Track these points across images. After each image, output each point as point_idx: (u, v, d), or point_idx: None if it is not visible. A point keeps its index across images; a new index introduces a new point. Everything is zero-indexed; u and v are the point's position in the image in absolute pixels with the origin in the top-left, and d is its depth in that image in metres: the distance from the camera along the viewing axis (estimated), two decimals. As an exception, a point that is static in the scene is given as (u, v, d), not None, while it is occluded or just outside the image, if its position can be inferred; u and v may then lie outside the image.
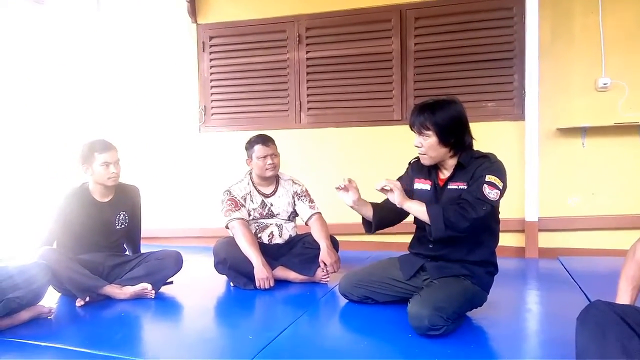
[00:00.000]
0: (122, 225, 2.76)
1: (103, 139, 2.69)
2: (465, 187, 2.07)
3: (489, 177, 2.02)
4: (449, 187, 2.13)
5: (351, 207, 2.24)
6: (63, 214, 2.60)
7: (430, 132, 2.06)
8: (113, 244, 2.77)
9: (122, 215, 2.75)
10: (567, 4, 3.61)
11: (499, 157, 2.15)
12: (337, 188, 2.20)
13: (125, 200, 2.79)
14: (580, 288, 2.67)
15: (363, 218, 2.32)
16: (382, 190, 2.09)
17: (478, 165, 2.08)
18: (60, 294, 2.62)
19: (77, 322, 2.31)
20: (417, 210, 2.06)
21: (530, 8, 3.51)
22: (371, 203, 2.28)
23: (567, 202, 3.66)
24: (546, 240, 3.65)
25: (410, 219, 2.26)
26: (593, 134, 3.58)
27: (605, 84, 3.49)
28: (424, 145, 2.10)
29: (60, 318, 2.36)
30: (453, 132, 2.07)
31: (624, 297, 1.58)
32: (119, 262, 2.71)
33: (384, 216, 2.27)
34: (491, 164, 2.08)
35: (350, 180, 2.21)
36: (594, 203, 3.60)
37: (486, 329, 2.10)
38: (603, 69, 3.51)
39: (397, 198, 2.04)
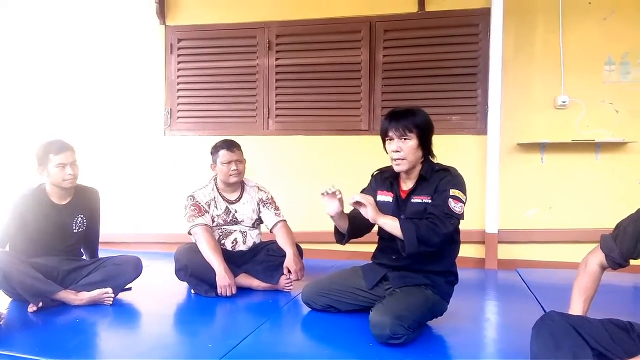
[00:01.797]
0: (80, 229, 2.68)
1: (59, 139, 2.60)
2: (429, 201, 2.11)
3: (453, 192, 2.07)
4: (412, 200, 2.16)
5: (331, 216, 2.20)
6: (17, 215, 2.51)
7: (412, 135, 2.09)
8: (69, 248, 2.68)
9: (79, 219, 2.67)
10: (530, 23, 3.74)
11: (461, 170, 2.20)
12: (324, 193, 2.13)
13: (83, 203, 2.71)
14: (536, 299, 2.74)
15: (335, 229, 2.32)
16: (356, 204, 2.07)
17: (440, 179, 2.12)
18: (11, 298, 2.52)
19: (28, 328, 2.21)
20: (391, 225, 2.06)
21: (494, 25, 3.62)
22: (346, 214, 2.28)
23: (526, 215, 3.77)
24: (505, 251, 3.74)
25: (375, 229, 2.28)
26: (551, 150, 3.70)
27: (564, 102, 3.62)
28: (403, 149, 2.10)
29: (10, 324, 2.25)
30: (428, 136, 2.14)
31: (576, 308, 1.64)
32: (75, 266, 2.62)
33: (355, 227, 2.27)
34: (453, 178, 2.13)
35: (339, 192, 2.15)
36: (551, 217, 3.72)
37: (445, 338, 2.13)
38: (562, 87, 3.64)
39: (370, 213, 2.04)
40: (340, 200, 2.15)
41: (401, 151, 2.11)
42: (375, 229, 2.26)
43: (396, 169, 2.17)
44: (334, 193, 2.11)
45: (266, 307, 2.57)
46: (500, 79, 3.63)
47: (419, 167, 2.18)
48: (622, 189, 3.50)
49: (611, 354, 1.42)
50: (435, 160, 2.23)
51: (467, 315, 2.45)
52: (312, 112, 4.13)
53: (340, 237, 2.32)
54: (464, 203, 2.09)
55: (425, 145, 2.14)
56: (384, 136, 2.17)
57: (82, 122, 4.54)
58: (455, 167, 2.20)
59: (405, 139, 2.10)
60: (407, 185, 2.22)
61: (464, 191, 2.11)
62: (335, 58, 4.04)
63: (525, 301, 2.74)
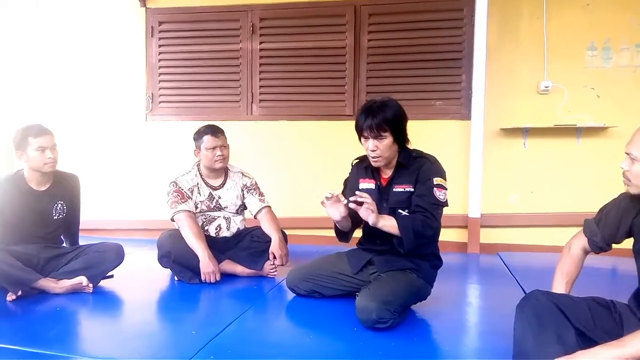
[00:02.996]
0: (60, 216, 2.63)
1: (38, 123, 2.53)
2: (412, 190, 2.13)
3: (436, 180, 2.10)
4: (395, 189, 2.17)
5: (337, 220, 2.15)
6: (-5, 202, 2.45)
7: (387, 133, 2.08)
8: (49, 235, 2.63)
9: (59, 205, 2.62)
10: (515, 8, 3.74)
11: (444, 155, 2.22)
12: (327, 198, 2.06)
13: (63, 189, 2.65)
14: (517, 282, 2.78)
15: (336, 228, 2.30)
16: (355, 203, 1.98)
17: (420, 167, 2.13)
18: (-11, 287, 2.46)
19: (8, 317, 2.17)
20: (390, 226, 2.04)
21: (479, 10, 3.61)
22: None
23: (508, 199, 3.81)
24: (487, 235, 3.79)
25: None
26: (534, 135, 3.73)
27: (546, 87, 3.65)
28: (379, 147, 2.10)
29: (-12, 313, 2.22)
30: (402, 128, 2.14)
31: (558, 290, 1.66)
32: (55, 254, 2.58)
33: (354, 224, 2.28)
34: (432, 165, 2.15)
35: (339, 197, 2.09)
36: (533, 201, 3.76)
37: (429, 322, 2.16)
38: (545, 73, 3.66)
39: (373, 219, 1.99)
40: (345, 205, 2.07)
41: (377, 149, 2.10)
42: None
43: (374, 164, 2.18)
44: (337, 197, 2.06)
45: (250, 293, 2.56)
46: (484, 64, 3.63)
47: (396, 156, 2.19)
48: (603, 174, 3.54)
49: (592, 334, 1.44)
50: (410, 146, 2.22)
51: (450, 298, 2.48)
52: (296, 97, 4.09)
53: (343, 236, 2.32)
54: (447, 189, 2.12)
55: (400, 138, 2.13)
56: (360, 134, 2.16)
57: (62, 107, 4.44)
58: (433, 155, 2.21)
59: (380, 138, 2.09)
60: (386, 173, 2.24)
61: (444, 177, 2.14)
62: (320, 42, 4.00)
63: (506, 284, 2.78)
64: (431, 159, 2.18)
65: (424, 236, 2.05)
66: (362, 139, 2.16)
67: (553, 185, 3.72)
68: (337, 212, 2.08)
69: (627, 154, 1.45)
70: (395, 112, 2.09)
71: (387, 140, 2.09)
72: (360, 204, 1.97)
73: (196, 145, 2.90)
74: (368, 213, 1.98)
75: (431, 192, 2.07)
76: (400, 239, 2.04)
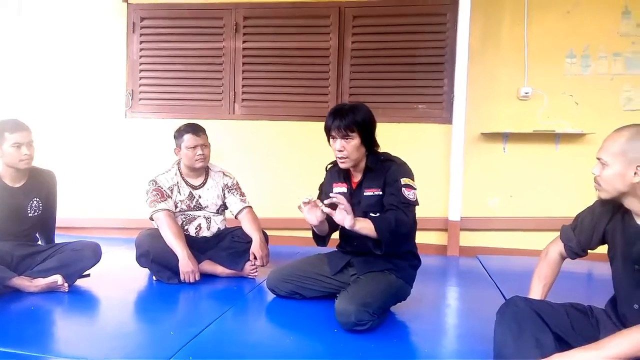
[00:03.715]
0: (35, 213, 2.57)
1: (15, 118, 2.48)
2: (381, 193, 2.15)
3: (404, 181, 2.11)
4: (365, 193, 2.19)
5: (314, 225, 2.13)
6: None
7: (354, 134, 2.11)
8: (24, 233, 2.57)
9: (35, 202, 2.56)
10: (497, 14, 3.79)
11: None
12: (304, 203, 2.05)
13: (39, 186, 2.60)
14: (496, 285, 2.81)
15: (314, 232, 2.30)
16: (330, 205, 1.98)
17: (387, 170, 2.16)
18: (-40, 285, 2.40)
19: (-21, 316, 2.12)
20: (367, 228, 2.03)
21: (462, 15, 3.65)
22: None
23: (488, 203, 3.86)
24: (467, 239, 3.83)
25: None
26: (514, 140, 3.78)
27: (526, 93, 3.70)
28: (346, 148, 2.12)
29: (-41, 312, 2.16)
30: (371, 132, 2.16)
31: (536, 294, 1.70)
32: (30, 252, 2.52)
33: (332, 228, 2.29)
34: (398, 167, 2.17)
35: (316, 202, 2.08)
36: (513, 205, 3.81)
37: (408, 324, 2.17)
38: (526, 79, 3.72)
39: (349, 222, 1.98)
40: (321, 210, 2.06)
41: (344, 150, 2.13)
42: None
43: (341, 166, 2.20)
44: (314, 203, 2.05)
45: (230, 294, 2.54)
46: (466, 69, 3.67)
47: (364, 159, 2.20)
48: (581, 179, 3.56)
49: (569, 338, 1.47)
50: (380, 150, 2.25)
51: (430, 301, 2.50)
52: (279, 97, 4.08)
53: (321, 240, 2.33)
54: (416, 189, 2.14)
55: (368, 141, 2.15)
56: (328, 134, 2.19)
57: (40, 102, 4.35)
58: (399, 157, 2.24)
59: (347, 139, 2.11)
60: (356, 177, 2.27)
61: (412, 178, 2.16)
62: (304, 43, 4.00)
63: (485, 287, 2.81)
64: (397, 162, 2.20)
65: (399, 234, 2.06)
66: (330, 140, 2.18)
67: (532, 190, 3.78)
68: (314, 217, 2.07)
69: (598, 159, 1.48)
70: (364, 116, 2.13)
71: (355, 141, 2.11)
72: (335, 207, 1.97)
73: (177, 143, 2.87)
74: (343, 216, 1.97)
75: (399, 192, 2.09)
76: (376, 241, 2.04)
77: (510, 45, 3.77)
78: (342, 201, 1.96)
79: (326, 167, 2.42)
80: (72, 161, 4.25)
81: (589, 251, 1.69)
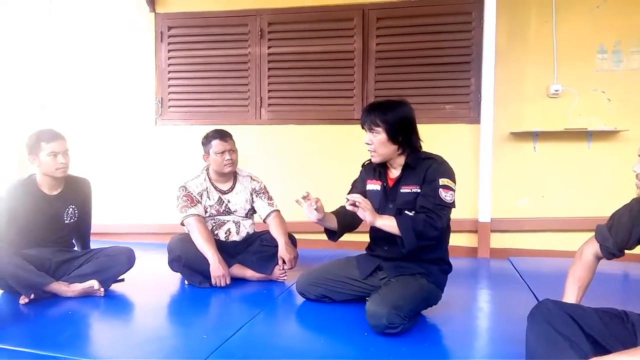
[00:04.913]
0: (71, 220, 2.65)
1: (51, 128, 2.57)
2: (419, 191, 2.12)
3: (442, 181, 2.08)
4: (402, 190, 2.17)
5: (315, 221, 2.18)
6: (7, 206, 2.47)
7: (380, 129, 2.11)
8: (61, 239, 2.65)
9: (71, 210, 2.64)
10: (523, 12, 3.73)
11: (453, 159, 2.22)
12: (303, 198, 2.11)
13: (75, 194, 2.68)
14: (529, 287, 2.76)
15: (325, 228, 2.32)
16: (352, 205, 2.03)
17: (427, 167, 2.13)
18: (2, 290, 2.50)
19: (20, 320, 2.20)
20: (389, 225, 2.05)
21: (488, 13, 3.60)
22: (333, 212, 2.29)
23: (518, 204, 3.79)
24: (497, 240, 3.76)
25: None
26: (544, 139, 3.71)
27: (556, 91, 3.63)
28: (374, 142, 2.14)
29: (2, 316, 2.24)
30: (401, 130, 2.13)
31: (570, 296, 1.65)
32: (67, 258, 2.60)
33: (347, 224, 2.30)
34: (439, 166, 2.13)
35: (317, 200, 2.12)
36: (544, 205, 3.74)
37: (440, 327, 2.14)
38: (555, 76, 3.65)
39: (369, 217, 2.02)
40: (319, 208, 2.12)
41: (372, 144, 2.16)
42: None
43: (372, 159, 2.23)
44: (309, 200, 2.10)
45: (260, 298, 2.56)
46: (493, 67, 3.62)
47: (403, 157, 2.19)
48: (614, 178, 3.51)
49: (605, 342, 1.43)
50: (422, 149, 2.23)
51: (461, 304, 2.46)
52: (305, 101, 4.10)
53: (332, 234, 2.33)
54: (454, 191, 2.10)
55: (396, 139, 2.13)
56: (362, 128, 2.22)
57: (73, 112, 4.48)
58: (441, 155, 2.21)
59: (374, 133, 2.13)
60: (393, 173, 2.24)
61: (452, 179, 2.12)
62: (328, 46, 4.01)
63: (518, 290, 2.76)
64: (438, 160, 2.17)
65: (425, 236, 2.03)
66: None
67: (563, 189, 3.69)
68: (310, 215, 2.11)
69: None
70: (395, 114, 2.12)
71: (380, 136, 2.12)
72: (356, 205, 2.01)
73: (205, 149, 2.92)
74: (363, 212, 2.00)
75: (436, 193, 2.06)
76: (402, 239, 2.03)
77: (537, 43, 3.70)
78: (358, 198, 1.99)
79: (363, 163, 2.41)
80: (105, 169, 4.36)
81: (625, 251, 1.64)
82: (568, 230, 3.60)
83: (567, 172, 3.69)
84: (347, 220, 2.28)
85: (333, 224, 2.26)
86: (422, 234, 2.02)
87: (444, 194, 2.06)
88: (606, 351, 1.36)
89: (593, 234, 1.70)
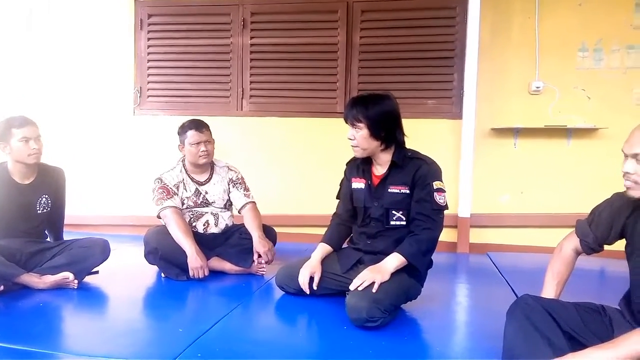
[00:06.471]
0: (44, 210, 2.57)
1: (21, 114, 2.48)
2: (408, 191, 2.12)
3: (436, 184, 2.10)
4: (390, 190, 2.16)
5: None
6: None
7: (362, 125, 2.10)
8: (33, 230, 2.58)
9: (44, 199, 2.56)
10: (507, 7, 3.74)
11: (435, 154, 2.23)
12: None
13: (48, 183, 2.60)
14: (507, 282, 2.78)
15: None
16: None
17: (416, 168, 2.13)
18: (-30, 282, 2.40)
19: (-11, 313, 2.12)
20: (400, 263, 2.06)
21: (472, 9, 3.59)
22: (326, 242, 2.38)
23: (498, 199, 3.81)
24: (477, 236, 3.78)
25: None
26: (525, 135, 3.73)
27: (538, 88, 3.65)
28: (356, 137, 2.13)
29: (-31, 309, 2.16)
30: (384, 125, 2.12)
31: (549, 291, 1.65)
32: (39, 249, 2.52)
33: (342, 240, 2.42)
34: (430, 167, 2.14)
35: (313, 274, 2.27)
36: (523, 201, 3.76)
37: (419, 321, 2.14)
38: (537, 73, 3.67)
39: (382, 279, 2.01)
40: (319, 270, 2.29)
41: (354, 139, 2.15)
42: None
43: (355, 154, 2.23)
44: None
45: (239, 291, 2.53)
46: (476, 63, 3.62)
47: (388, 153, 2.18)
48: (593, 175, 3.55)
49: (582, 337, 1.43)
50: (406, 145, 2.23)
51: (440, 298, 2.47)
52: (287, 93, 4.05)
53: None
54: (446, 191, 2.14)
55: (378, 135, 2.11)
56: (345, 122, 2.21)
57: (48, 99, 4.35)
58: (428, 155, 2.21)
59: (356, 128, 2.13)
60: (379, 171, 2.23)
61: (442, 179, 2.15)
62: (312, 38, 3.97)
63: (496, 285, 2.78)
64: (427, 161, 2.17)
65: (431, 249, 2.12)
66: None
67: (543, 185, 3.72)
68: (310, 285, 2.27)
69: (631, 155, 1.38)
70: (378, 109, 2.11)
71: (362, 132, 2.11)
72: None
73: (180, 140, 2.86)
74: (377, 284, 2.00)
75: (432, 198, 2.08)
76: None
77: (521, 39, 3.72)
78: (367, 283, 2.00)
79: (347, 162, 2.41)
80: (80, 158, 4.26)
81: (605, 247, 1.65)
82: (546, 227, 3.63)
83: (547, 169, 3.71)
84: (342, 240, 2.40)
85: (331, 250, 2.38)
86: (429, 250, 2.10)
87: (439, 198, 2.09)
88: (583, 347, 1.37)
89: (573, 229, 1.71)
